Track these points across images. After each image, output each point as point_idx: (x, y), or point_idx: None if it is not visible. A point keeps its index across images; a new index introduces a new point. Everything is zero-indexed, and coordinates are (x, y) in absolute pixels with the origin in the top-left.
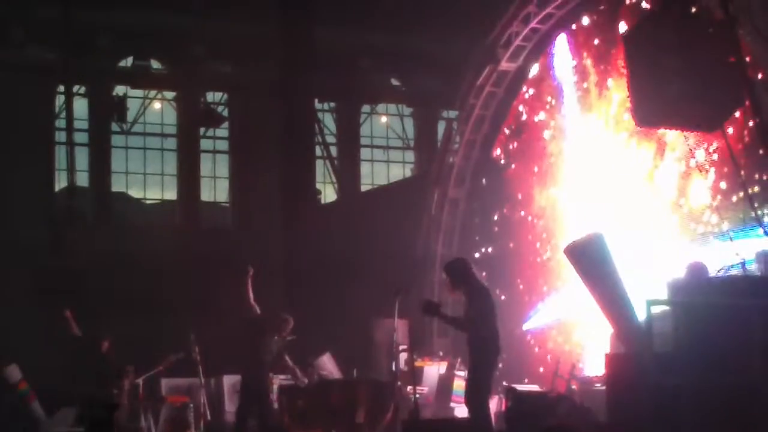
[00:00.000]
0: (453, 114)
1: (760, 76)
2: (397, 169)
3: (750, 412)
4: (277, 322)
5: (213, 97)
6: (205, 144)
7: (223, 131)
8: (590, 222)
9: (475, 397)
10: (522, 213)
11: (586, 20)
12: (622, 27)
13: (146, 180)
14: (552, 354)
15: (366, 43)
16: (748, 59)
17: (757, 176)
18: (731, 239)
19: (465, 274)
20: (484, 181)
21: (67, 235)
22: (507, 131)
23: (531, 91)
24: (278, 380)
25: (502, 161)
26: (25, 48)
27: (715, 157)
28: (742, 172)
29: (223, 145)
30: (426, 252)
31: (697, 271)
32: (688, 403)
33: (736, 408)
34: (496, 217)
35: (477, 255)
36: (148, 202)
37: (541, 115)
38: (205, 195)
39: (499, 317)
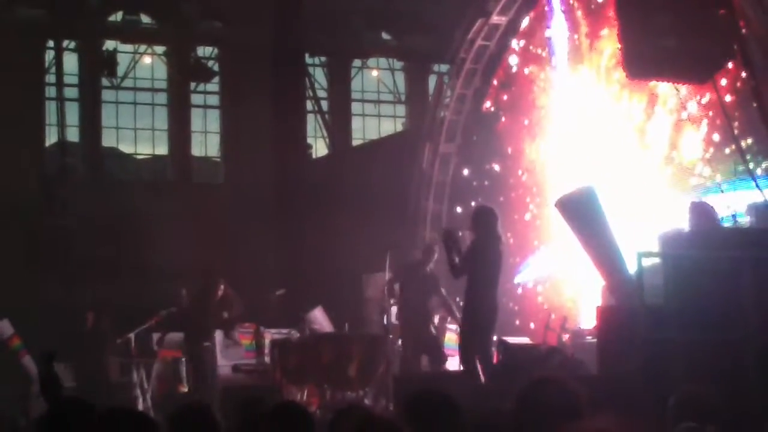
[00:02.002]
0: (444, 68)
1: (749, 30)
2: (388, 124)
3: (740, 365)
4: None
5: (203, 51)
6: (195, 99)
7: (213, 86)
8: (581, 175)
9: (467, 352)
10: (512, 167)
11: None
12: None
13: (137, 135)
14: (543, 307)
15: (357, 1)
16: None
17: (750, 128)
18: (722, 191)
19: (486, 224)
20: (474, 136)
21: (58, 191)
22: (496, 83)
23: (521, 43)
24: (270, 335)
25: (492, 113)
26: (14, 5)
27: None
28: (736, 124)
29: (214, 99)
30: (416, 207)
31: (704, 214)
32: (679, 356)
33: (727, 361)
34: (485, 171)
35: (459, 209)
36: (138, 157)
37: (532, 68)
38: (196, 150)
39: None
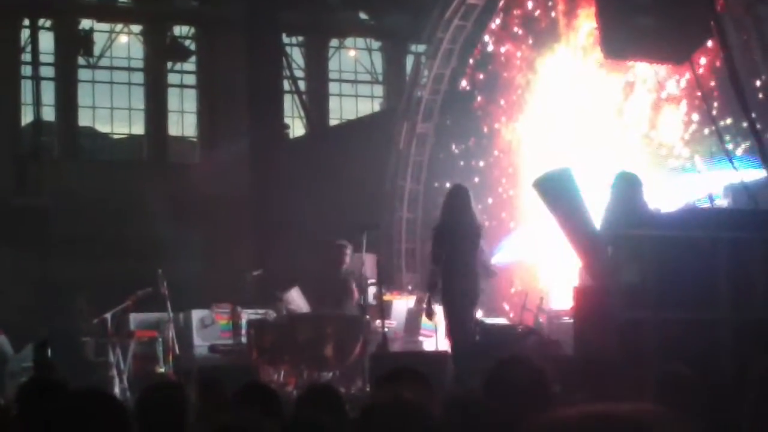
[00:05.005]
0: (421, 48)
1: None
2: (366, 104)
3: (715, 344)
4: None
5: (180, 30)
6: (172, 78)
7: (190, 65)
8: (558, 156)
9: (452, 330)
10: (487, 147)
11: None
12: None
13: (113, 114)
14: (519, 288)
15: None
16: None
17: (729, 108)
18: (699, 172)
19: (458, 204)
20: (449, 118)
21: (33, 171)
22: (472, 62)
23: (497, 22)
24: (246, 314)
25: (468, 92)
26: None
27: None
28: (716, 104)
29: (191, 79)
30: (393, 187)
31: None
32: (655, 335)
33: (702, 341)
34: (461, 152)
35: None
36: (115, 136)
37: (508, 47)
38: (173, 130)
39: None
